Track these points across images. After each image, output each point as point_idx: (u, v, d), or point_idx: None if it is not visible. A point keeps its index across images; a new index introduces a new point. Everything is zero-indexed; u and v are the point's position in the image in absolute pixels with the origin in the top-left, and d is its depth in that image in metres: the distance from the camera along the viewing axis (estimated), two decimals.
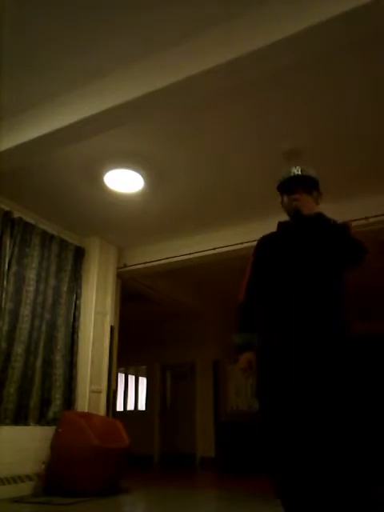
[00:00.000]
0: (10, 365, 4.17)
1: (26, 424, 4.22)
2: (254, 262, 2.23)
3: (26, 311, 4.42)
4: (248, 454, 6.94)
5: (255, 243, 4.98)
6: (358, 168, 4.02)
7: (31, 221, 4.71)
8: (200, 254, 5.17)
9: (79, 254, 5.29)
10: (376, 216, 4.32)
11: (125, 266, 5.70)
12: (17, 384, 4.19)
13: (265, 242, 2.28)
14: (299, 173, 2.23)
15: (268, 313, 2.01)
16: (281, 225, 2.31)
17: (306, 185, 2.23)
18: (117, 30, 2.71)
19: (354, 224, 4.40)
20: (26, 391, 4.29)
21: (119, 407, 9.19)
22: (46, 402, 4.48)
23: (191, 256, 5.23)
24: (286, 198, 2.28)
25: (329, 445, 1.59)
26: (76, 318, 5.04)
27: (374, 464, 1.48)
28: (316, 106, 3.28)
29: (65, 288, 4.96)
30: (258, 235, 4.83)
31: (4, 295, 4.23)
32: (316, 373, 1.70)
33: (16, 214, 4.55)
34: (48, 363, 4.59)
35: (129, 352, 7.11)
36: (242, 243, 4.98)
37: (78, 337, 5.00)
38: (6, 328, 4.19)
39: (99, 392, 5.00)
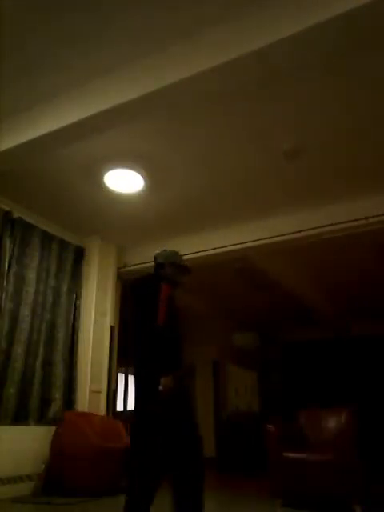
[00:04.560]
0: (10, 365, 4.18)
1: (26, 424, 4.22)
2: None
3: (26, 311, 4.42)
4: (248, 454, 6.95)
5: (255, 243, 4.96)
6: (358, 168, 4.02)
7: (31, 221, 4.71)
8: (200, 254, 5.17)
9: (79, 254, 5.29)
10: (376, 216, 4.32)
11: (125, 265, 5.70)
12: (17, 384, 4.19)
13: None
14: None
15: None
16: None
17: None
18: (117, 31, 2.71)
19: (353, 224, 4.44)
20: (26, 391, 4.29)
21: (119, 407, 9.18)
22: (45, 402, 4.48)
23: (191, 256, 5.22)
24: (181, 277, 2.81)
25: None
26: (76, 318, 5.04)
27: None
28: (316, 106, 3.28)
29: (65, 288, 4.96)
30: (258, 235, 4.88)
31: (4, 295, 4.23)
32: None
33: (16, 214, 4.56)
34: (48, 363, 4.59)
35: (129, 352, 7.10)
36: (241, 243, 4.99)
37: (77, 337, 5.00)
38: (6, 328, 4.19)
39: (99, 392, 5.00)
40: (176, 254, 2.89)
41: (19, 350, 4.28)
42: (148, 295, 2.61)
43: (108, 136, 3.51)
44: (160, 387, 2.40)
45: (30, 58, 2.91)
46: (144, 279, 2.75)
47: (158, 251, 2.88)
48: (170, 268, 2.78)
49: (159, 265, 2.81)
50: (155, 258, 2.85)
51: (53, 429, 4.31)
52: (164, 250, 2.89)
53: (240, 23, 2.58)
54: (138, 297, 2.67)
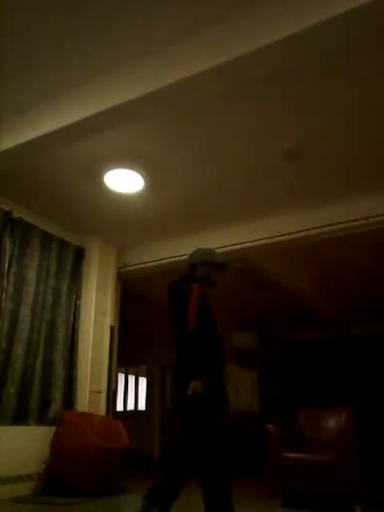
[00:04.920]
0: (10, 365, 4.18)
1: (26, 424, 4.23)
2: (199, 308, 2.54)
3: (26, 311, 4.42)
4: (248, 454, 6.94)
5: (255, 243, 4.94)
6: (358, 168, 4.02)
7: (31, 221, 4.71)
8: None
9: (79, 254, 5.29)
10: (376, 216, 4.32)
11: (125, 265, 5.70)
12: (17, 384, 4.19)
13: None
14: None
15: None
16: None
17: None
18: (116, 31, 2.71)
19: (353, 224, 4.44)
20: (26, 391, 4.29)
21: (119, 407, 9.18)
22: (46, 402, 4.48)
23: None
24: (216, 274, 2.79)
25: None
26: (76, 318, 5.04)
27: None
28: (316, 106, 3.28)
29: (65, 288, 4.96)
30: (258, 235, 4.88)
31: (4, 295, 4.23)
32: None
33: (16, 214, 4.56)
34: (48, 363, 4.59)
35: (129, 352, 7.11)
36: (241, 243, 4.98)
37: (77, 337, 5.01)
38: (6, 328, 4.19)
39: (99, 392, 5.00)
40: (208, 252, 2.79)
41: (19, 349, 4.28)
42: (179, 298, 2.55)
43: (108, 136, 3.51)
44: (189, 391, 2.36)
45: (30, 57, 2.91)
46: (178, 281, 2.68)
47: (191, 251, 2.82)
48: (202, 268, 2.70)
49: (192, 266, 2.74)
50: (189, 258, 2.78)
51: (53, 429, 4.31)
52: (197, 250, 2.81)
53: (240, 23, 2.58)
54: (172, 299, 2.62)
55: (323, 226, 4.55)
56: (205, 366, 2.43)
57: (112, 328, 5.38)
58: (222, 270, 2.79)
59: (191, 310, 2.45)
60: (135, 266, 5.65)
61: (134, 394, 9.78)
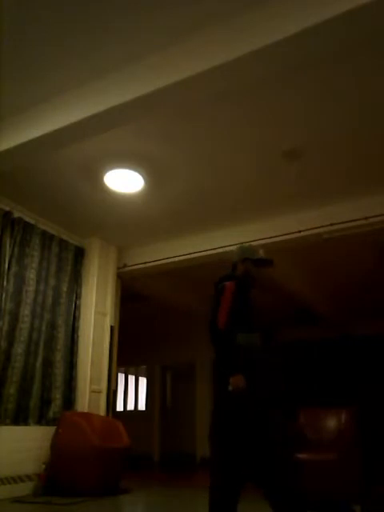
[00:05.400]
0: (10, 365, 4.18)
1: (26, 424, 4.23)
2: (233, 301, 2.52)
3: (26, 311, 4.42)
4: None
5: (255, 243, 4.95)
6: (358, 168, 4.02)
7: (31, 221, 4.71)
8: (200, 254, 5.17)
9: (79, 254, 5.29)
10: (376, 216, 4.32)
11: (125, 266, 5.70)
12: (17, 384, 4.19)
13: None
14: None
15: None
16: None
17: None
18: (116, 31, 2.71)
19: (353, 224, 4.44)
20: (26, 391, 4.29)
21: (119, 407, 9.18)
22: (46, 402, 4.48)
23: (191, 256, 5.23)
24: (255, 269, 2.68)
25: None
26: (76, 318, 5.04)
27: None
28: (316, 106, 3.27)
29: (65, 288, 4.96)
30: (258, 235, 4.88)
31: (4, 295, 4.23)
32: None
33: (16, 214, 4.55)
34: (48, 363, 4.59)
35: (129, 352, 7.11)
36: (242, 243, 4.97)
37: (77, 337, 5.01)
38: (6, 328, 4.19)
39: (99, 392, 5.00)
40: (248, 248, 2.76)
41: (19, 349, 4.28)
42: (215, 295, 2.55)
43: (108, 136, 3.51)
44: (230, 386, 2.33)
45: (30, 58, 2.91)
46: (219, 279, 2.64)
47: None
48: (242, 265, 2.66)
49: (233, 264, 2.71)
50: (233, 256, 2.76)
51: (53, 429, 4.31)
52: (238, 246, 2.79)
53: (240, 23, 2.58)
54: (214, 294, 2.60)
55: (323, 226, 4.55)
56: (240, 364, 2.39)
57: (112, 328, 5.38)
58: (263, 266, 2.70)
59: (222, 308, 2.45)
60: (135, 266, 5.65)
61: (133, 393, 9.79)
